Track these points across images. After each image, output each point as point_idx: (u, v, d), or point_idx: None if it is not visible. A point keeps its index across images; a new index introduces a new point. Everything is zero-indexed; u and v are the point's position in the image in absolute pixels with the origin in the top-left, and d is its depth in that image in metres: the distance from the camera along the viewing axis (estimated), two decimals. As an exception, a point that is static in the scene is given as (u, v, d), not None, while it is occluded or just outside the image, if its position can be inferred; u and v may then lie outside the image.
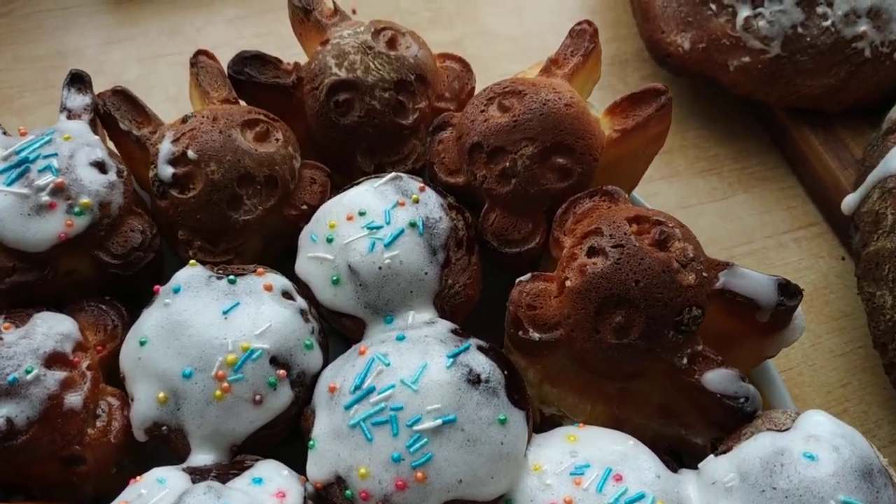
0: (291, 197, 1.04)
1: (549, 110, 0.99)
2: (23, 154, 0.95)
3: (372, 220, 0.95)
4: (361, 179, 1.03)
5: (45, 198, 0.93)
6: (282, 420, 0.90)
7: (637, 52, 1.45)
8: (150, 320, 0.91)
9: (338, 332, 1.01)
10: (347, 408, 0.85)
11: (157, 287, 0.95)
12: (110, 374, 0.95)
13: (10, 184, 0.93)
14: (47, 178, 0.94)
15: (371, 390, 0.85)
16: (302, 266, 0.98)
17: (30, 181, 0.94)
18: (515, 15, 1.49)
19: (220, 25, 1.45)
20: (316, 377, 0.93)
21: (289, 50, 1.42)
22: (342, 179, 1.09)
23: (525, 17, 1.49)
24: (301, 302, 0.96)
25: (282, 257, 1.09)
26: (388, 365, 0.86)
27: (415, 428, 0.82)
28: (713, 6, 1.26)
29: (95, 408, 0.91)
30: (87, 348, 0.93)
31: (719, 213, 1.30)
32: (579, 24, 1.08)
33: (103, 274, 0.98)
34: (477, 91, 1.12)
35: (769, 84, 1.26)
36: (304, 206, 1.04)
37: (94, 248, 0.96)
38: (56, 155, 0.96)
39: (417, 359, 0.87)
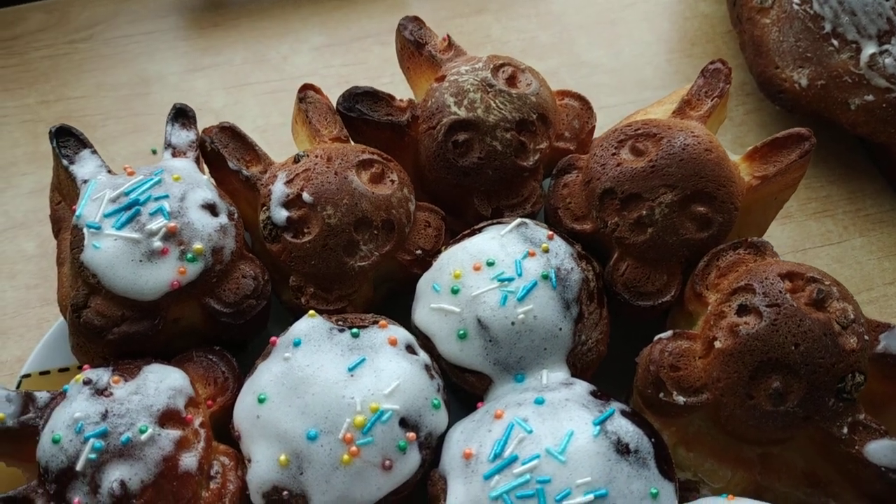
0: (406, 241, 0.98)
1: (690, 155, 0.93)
2: (133, 195, 0.90)
3: (502, 271, 0.89)
4: (482, 225, 0.97)
5: (157, 243, 0.87)
6: (408, 486, 0.84)
7: (740, 85, 1.39)
8: (268, 375, 0.86)
9: (452, 384, 0.95)
10: (487, 477, 0.79)
11: (273, 339, 0.89)
12: (219, 431, 0.89)
13: (120, 227, 0.88)
14: (159, 222, 0.88)
15: (513, 460, 0.79)
16: (423, 317, 0.92)
17: (141, 225, 0.88)
18: (611, 46, 1.43)
19: (307, 54, 1.40)
20: (441, 438, 0.87)
21: (378, 80, 1.38)
22: (454, 222, 1.03)
23: (621, 49, 1.43)
24: (424, 356, 0.90)
25: (386, 302, 1.03)
26: (529, 432, 0.80)
27: (564, 503, 0.76)
28: (835, 42, 1.19)
29: (209, 468, 0.85)
30: (199, 403, 0.87)
31: (836, 258, 1.23)
32: (713, 62, 1.02)
33: (211, 322, 0.92)
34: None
35: (893, 124, 1.19)
36: (419, 251, 0.98)
37: (204, 295, 0.91)
38: (167, 197, 0.90)
39: (561, 426, 0.81)
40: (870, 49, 1.17)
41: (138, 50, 1.40)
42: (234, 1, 1.46)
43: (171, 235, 0.88)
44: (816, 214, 1.27)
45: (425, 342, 0.92)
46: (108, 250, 0.87)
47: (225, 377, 0.90)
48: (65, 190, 0.98)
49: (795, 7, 1.22)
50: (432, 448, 0.86)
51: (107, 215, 0.88)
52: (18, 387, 0.98)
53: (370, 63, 1.40)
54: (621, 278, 0.95)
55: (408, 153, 1.04)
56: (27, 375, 0.99)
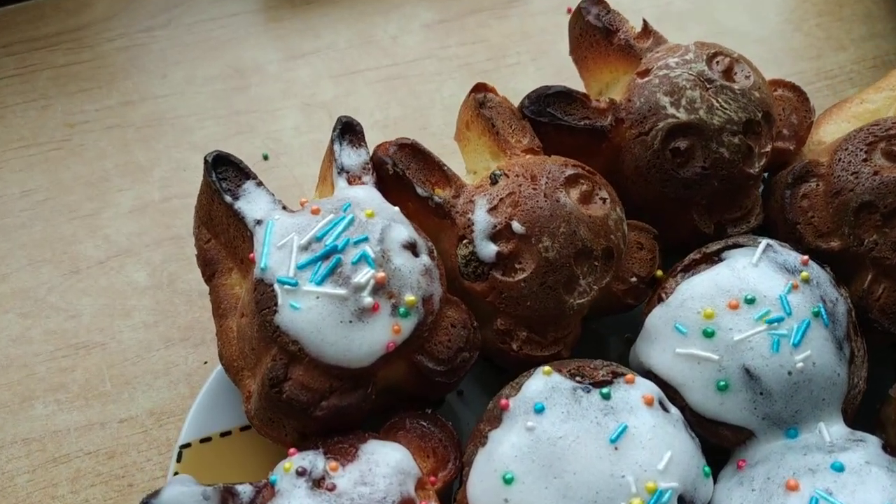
0: (619, 268, 0.85)
1: (963, 162, 0.80)
2: (328, 241, 0.75)
3: (767, 309, 0.77)
4: (715, 249, 0.83)
5: (367, 299, 0.73)
6: (684, 571, 0.72)
7: (899, 52, 1.26)
8: (510, 449, 0.72)
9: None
10: (798, 566, 0.67)
11: (504, 402, 0.75)
12: (440, 511, 0.76)
13: (320, 282, 0.73)
14: (366, 273, 0.73)
15: (829, 543, 0.67)
16: (665, 363, 0.79)
17: (344, 277, 0.73)
18: (753, 12, 1.29)
19: (418, 33, 1.24)
20: (705, 507, 0.75)
21: (502, 61, 1.23)
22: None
23: (765, 15, 1.28)
24: (676, 412, 0.77)
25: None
26: (841, 509, 0.69)
27: None
28: None
29: (450, 564, 0.72)
30: (426, 484, 0.74)
31: None
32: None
33: (416, 382, 0.79)
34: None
35: None
36: (633, 279, 0.85)
37: (415, 353, 0.77)
38: (367, 239, 0.75)
39: (874, 498, 0.69)
40: None
41: (226, 36, 1.22)
42: (321, -27, 1.28)
43: (379, 288, 0.74)
44: None
45: (666, 391, 0.79)
46: (310, 311, 0.72)
47: (444, 447, 0.77)
48: (218, 228, 0.83)
49: None
50: (699, 521, 0.74)
51: (300, 267, 0.74)
52: (179, 459, 0.84)
53: (491, 41, 1.24)
54: (877, 303, 0.83)
55: (601, 161, 0.89)
56: (187, 445, 0.85)
